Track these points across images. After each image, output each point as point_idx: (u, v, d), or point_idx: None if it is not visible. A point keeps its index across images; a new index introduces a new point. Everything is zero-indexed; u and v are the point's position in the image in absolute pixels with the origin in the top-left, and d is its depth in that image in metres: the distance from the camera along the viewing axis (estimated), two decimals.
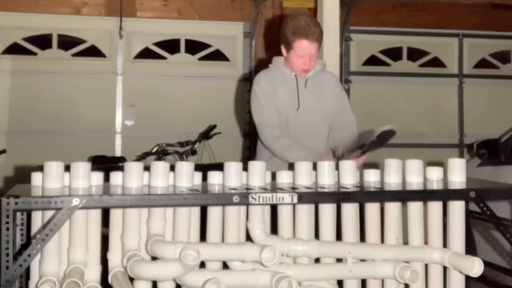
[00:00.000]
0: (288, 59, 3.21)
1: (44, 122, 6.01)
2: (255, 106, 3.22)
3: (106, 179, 2.40)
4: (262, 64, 5.89)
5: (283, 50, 3.22)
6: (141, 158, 5.13)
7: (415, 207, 2.50)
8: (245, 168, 2.46)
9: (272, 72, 3.29)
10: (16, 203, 2.03)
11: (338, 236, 2.49)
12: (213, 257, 2.32)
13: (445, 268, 2.49)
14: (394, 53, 6.90)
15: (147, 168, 2.36)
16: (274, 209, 2.46)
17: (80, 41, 6.20)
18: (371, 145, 2.95)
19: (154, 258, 2.29)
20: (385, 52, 6.88)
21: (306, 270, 2.38)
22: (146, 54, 6.34)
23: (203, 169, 2.54)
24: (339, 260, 2.45)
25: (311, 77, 3.27)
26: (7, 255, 2.03)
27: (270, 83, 3.22)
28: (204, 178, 2.47)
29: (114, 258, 2.33)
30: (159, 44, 6.37)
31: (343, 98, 3.39)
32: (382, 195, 2.41)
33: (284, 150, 3.13)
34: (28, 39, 6.10)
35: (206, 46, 6.47)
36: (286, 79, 3.25)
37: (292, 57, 3.17)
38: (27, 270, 2.18)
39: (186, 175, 2.35)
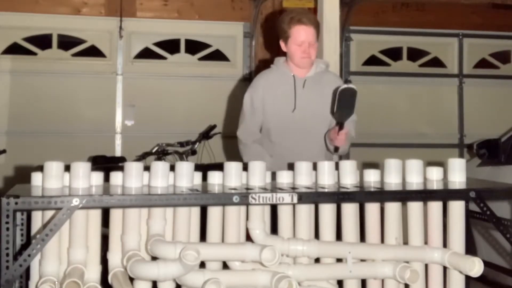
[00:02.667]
0: (288, 51, 3.21)
1: (44, 122, 6.01)
2: (241, 112, 3.34)
3: (106, 179, 2.40)
4: (262, 64, 5.90)
5: (282, 44, 3.23)
6: (141, 158, 5.12)
7: (415, 207, 2.50)
8: (245, 168, 2.46)
9: (270, 74, 3.29)
10: (16, 203, 2.03)
11: (338, 236, 2.49)
12: (213, 257, 2.32)
13: (445, 268, 2.49)
14: (394, 53, 6.91)
15: (147, 168, 2.36)
16: (274, 209, 2.46)
17: (80, 41, 6.21)
18: (339, 113, 2.92)
19: (154, 258, 2.29)
20: (385, 52, 6.89)
21: (306, 270, 2.38)
22: (146, 54, 6.35)
23: (203, 169, 2.54)
24: (339, 260, 2.45)
25: (311, 77, 3.26)
26: (7, 255, 2.03)
27: (265, 87, 3.24)
28: (204, 178, 2.47)
29: (114, 258, 2.33)
30: (159, 44, 6.38)
31: None
32: (382, 195, 2.40)
33: (246, 159, 3.16)
34: (28, 39, 6.10)
35: (206, 46, 6.48)
36: (284, 80, 3.24)
37: (291, 47, 3.17)
38: (27, 270, 2.18)
39: (186, 175, 2.34)
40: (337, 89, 2.92)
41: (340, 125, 2.96)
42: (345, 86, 2.89)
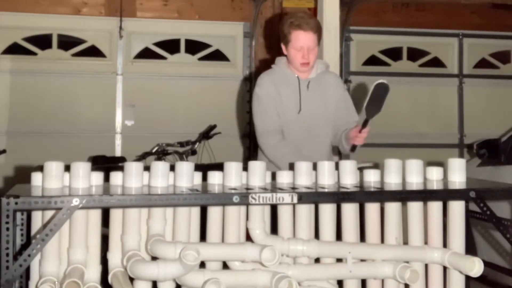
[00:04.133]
0: (288, 55, 3.19)
1: (44, 122, 6.02)
2: (257, 110, 3.19)
3: (106, 179, 2.40)
4: (262, 64, 5.91)
5: (283, 48, 3.21)
6: (141, 158, 5.12)
7: (415, 207, 2.50)
8: (245, 168, 2.46)
9: (275, 74, 3.26)
10: (16, 203, 2.03)
11: (338, 236, 2.49)
12: (213, 257, 2.32)
13: (445, 268, 2.49)
14: (394, 53, 6.91)
15: (147, 168, 2.36)
16: (274, 209, 2.46)
17: (80, 41, 6.21)
18: (368, 109, 2.84)
19: (154, 258, 2.29)
20: (385, 52, 6.89)
21: (306, 270, 2.38)
22: (146, 54, 6.35)
23: (203, 169, 2.54)
24: (339, 260, 2.45)
25: (314, 78, 3.25)
26: (7, 255, 2.03)
27: (274, 85, 3.19)
28: (204, 178, 2.47)
29: (114, 258, 2.33)
30: (159, 44, 6.38)
31: (346, 98, 3.33)
32: (382, 195, 2.40)
33: (279, 160, 3.08)
34: (28, 39, 6.11)
35: (206, 46, 6.48)
36: (288, 81, 3.22)
37: (291, 52, 3.16)
38: (27, 270, 2.18)
39: (186, 175, 2.34)
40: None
41: (365, 123, 2.91)
42: (381, 80, 2.83)
